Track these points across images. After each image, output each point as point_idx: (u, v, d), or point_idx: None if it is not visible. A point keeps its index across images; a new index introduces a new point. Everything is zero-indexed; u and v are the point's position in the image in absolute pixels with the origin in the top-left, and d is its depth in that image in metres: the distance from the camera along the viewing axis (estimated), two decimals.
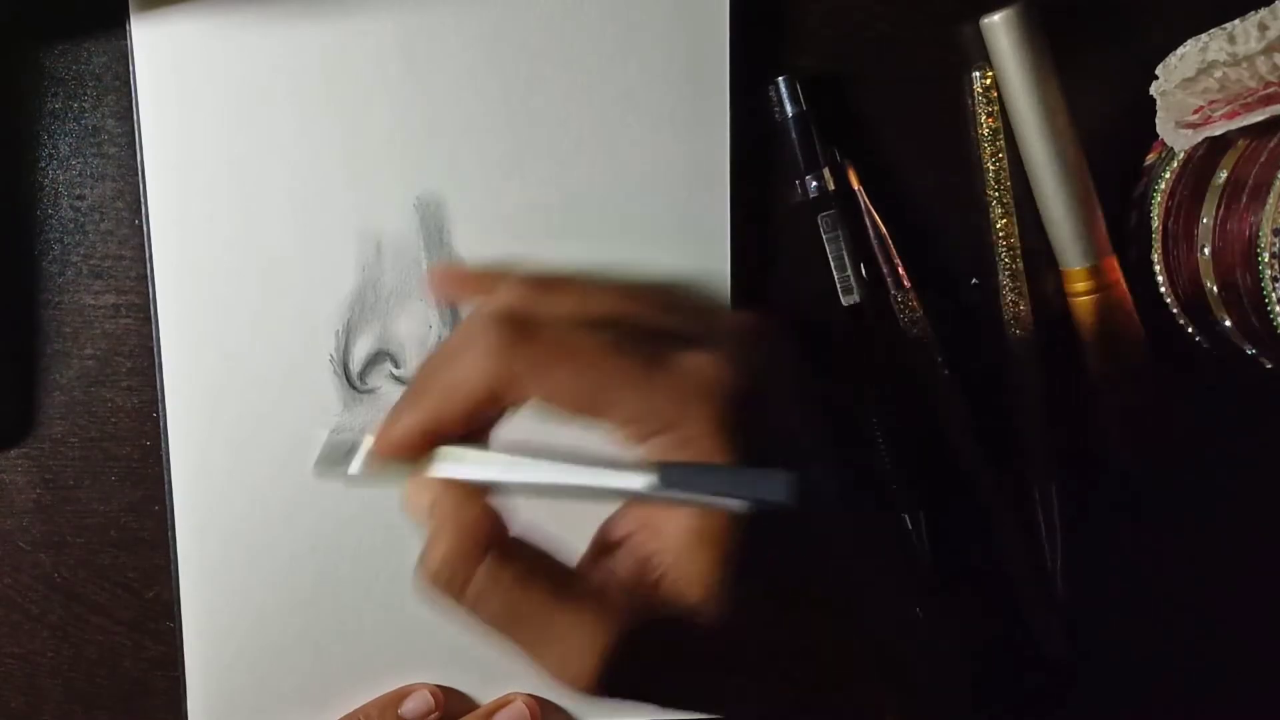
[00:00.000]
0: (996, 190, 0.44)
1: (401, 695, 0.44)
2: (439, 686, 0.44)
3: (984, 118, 0.43)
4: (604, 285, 0.33)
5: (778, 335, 0.33)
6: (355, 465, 0.32)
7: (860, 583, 0.34)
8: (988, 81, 0.43)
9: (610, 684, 0.29)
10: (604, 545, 0.33)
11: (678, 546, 0.30)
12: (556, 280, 0.32)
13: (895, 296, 0.44)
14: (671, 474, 0.29)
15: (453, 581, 0.30)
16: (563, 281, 0.32)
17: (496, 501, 0.31)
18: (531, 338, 0.29)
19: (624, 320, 0.31)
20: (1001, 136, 0.43)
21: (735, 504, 0.28)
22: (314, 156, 0.43)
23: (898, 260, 0.44)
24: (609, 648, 0.29)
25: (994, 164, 0.43)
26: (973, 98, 0.43)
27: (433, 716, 0.44)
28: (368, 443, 0.32)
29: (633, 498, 0.30)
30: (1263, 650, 0.47)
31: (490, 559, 0.30)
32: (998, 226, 0.44)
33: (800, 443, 0.32)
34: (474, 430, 0.31)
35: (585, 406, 0.29)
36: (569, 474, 0.30)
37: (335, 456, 0.32)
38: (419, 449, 0.31)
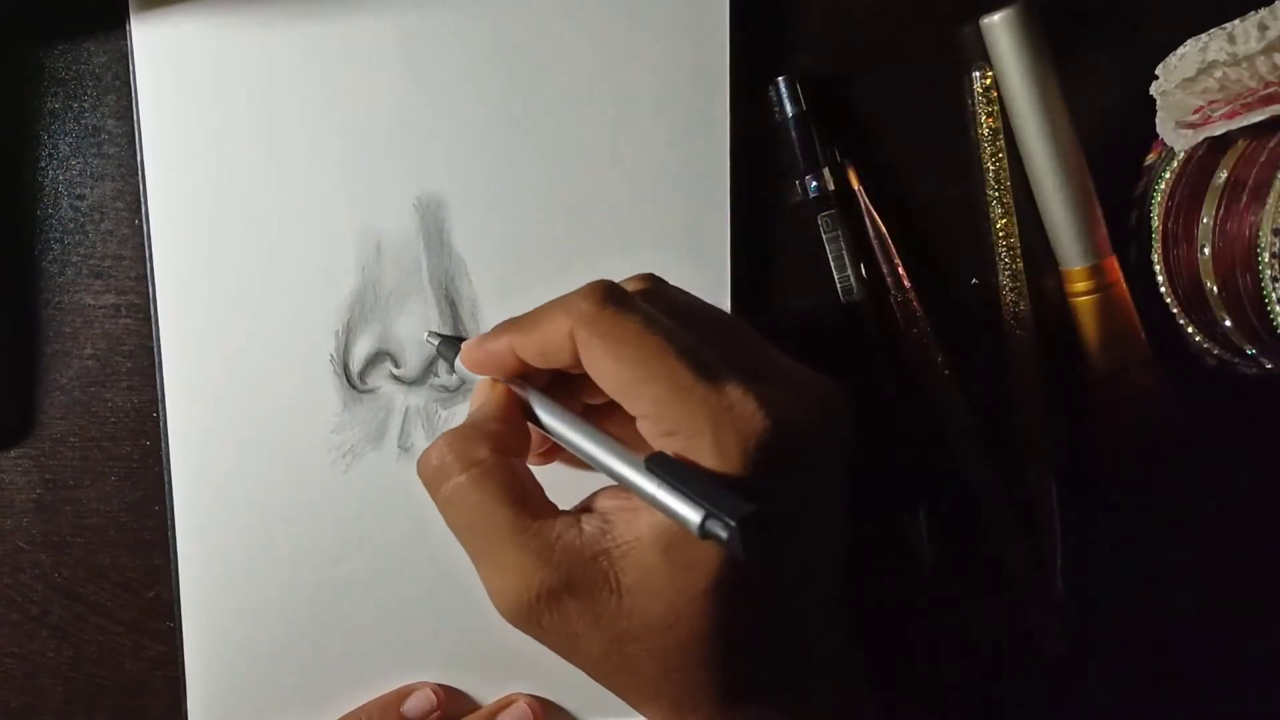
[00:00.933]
0: (996, 190, 0.44)
1: (403, 694, 0.44)
2: (440, 686, 0.44)
3: (984, 118, 0.43)
4: (710, 307, 0.36)
5: (843, 408, 0.34)
6: (456, 362, 0.36)
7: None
8: (988, 81, 0.43)
9: (528, 623, 0.32)
10: (585, 505, 0.34)
11: (639, 539, 0.31)
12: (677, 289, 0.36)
13: (895, 296, 0.44)
14: (654, 461, 0.30)
15: (436, 474, 0.33)
16: (681, 291, 0.36)
17: (528, 430, 0.34)
18: (612, 313, 0.31)
19: (714, 337, 0.33)
20: (1001, 136, 0.43)
21: (689, 518, 0.29)
22: (314, 156, 0.43)
23: (897, 260, 0.44)
24: (537, 596, 0.31)
25: (994, 164, 0.43)
26: (973, 98, 0.43)
27: (434, 715, 0.44)
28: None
29: (619, 480, 0.31)
30: (1263, 649, 0.47)
31: (472, 474, 0.32)
32: (998, 226, 0.44)
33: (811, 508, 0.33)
34: (549, 375, 0.34)
35: (618, 391, 0.31)
36: (584, 438, 0.32)
37: (447, 352, 0.37)
38: (496, 364, 0.34)
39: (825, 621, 0.34)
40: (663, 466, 0.30)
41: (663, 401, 0.30)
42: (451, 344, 0.37)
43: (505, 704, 0.44)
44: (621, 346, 0.31)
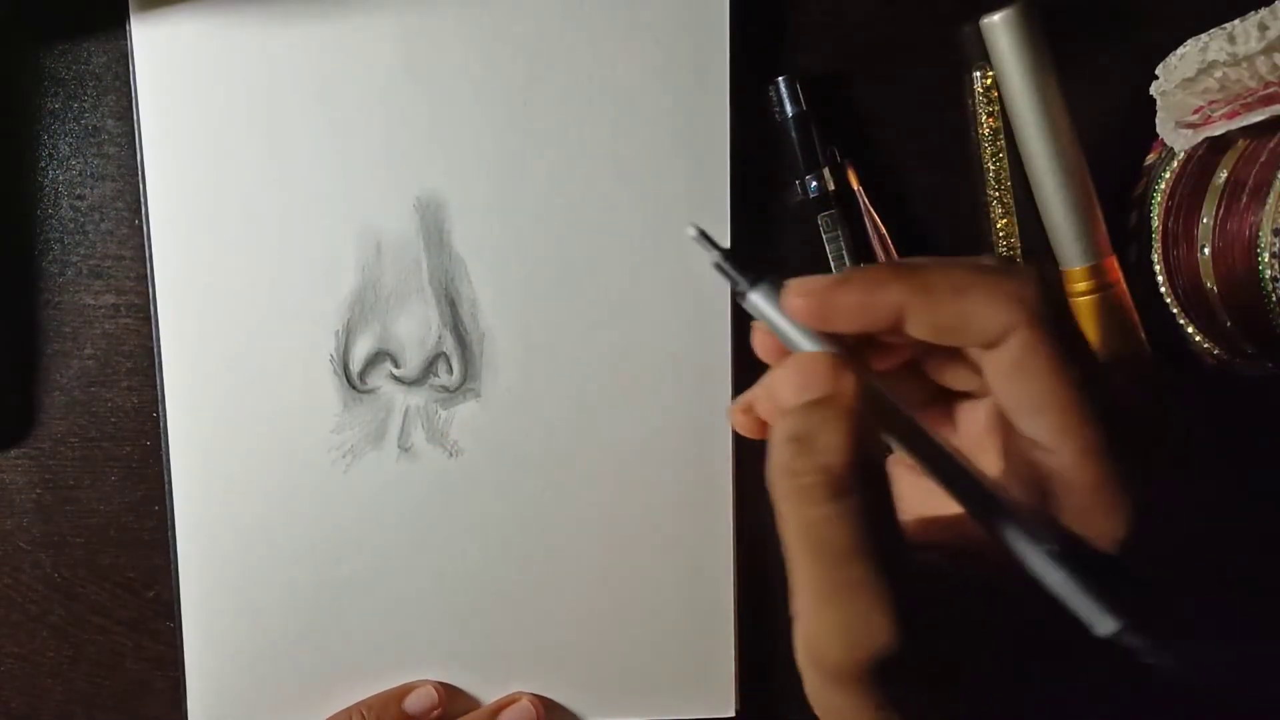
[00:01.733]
0: (996, 190, 0.44)
1: (404, 691, 0.44)
2: (441, 684, 0.44)
3: (984, 118, 0.43)
4: None
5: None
6: (762, 301, 0.29)
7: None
8: (988, 82, 0.43)
9: (861, 686, 0.25)
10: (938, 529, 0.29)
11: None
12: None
13: None
14: (1063, 556, 0.26)
15: (824, 491, 0.25)
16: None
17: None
18: (1073, 325, 0.28)
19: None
20: (1002, 136, 0.43)
21: (1099, 626, 0.26)
22: (314, 156, 0.43)
23: (896, 259, 0.44)
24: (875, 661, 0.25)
25: (994, 164, 0.43)
26: (973, 98, 0.43)
27: (435, 713, 0.44)
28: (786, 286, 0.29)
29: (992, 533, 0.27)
30: (1263, 647, 0.47)
31: (842, 502, 0.25)
32: (998, 226, 0.44)
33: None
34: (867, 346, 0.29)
35: (1031, 411, 0.27)
36: (952, 467, 0.27)
37: (737, 273, 0.29)
38: (857, 320, 0.28)
39: None
40: (1073, 560, 0.26)
41: (1088, 452, 0.27)
42: (738, 264, 0.29)
43: (508, 702, 0.44)
44: (1071, 370, 0.27)
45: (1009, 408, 0.28)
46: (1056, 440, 0.27)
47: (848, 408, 0.26)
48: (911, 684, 0.26)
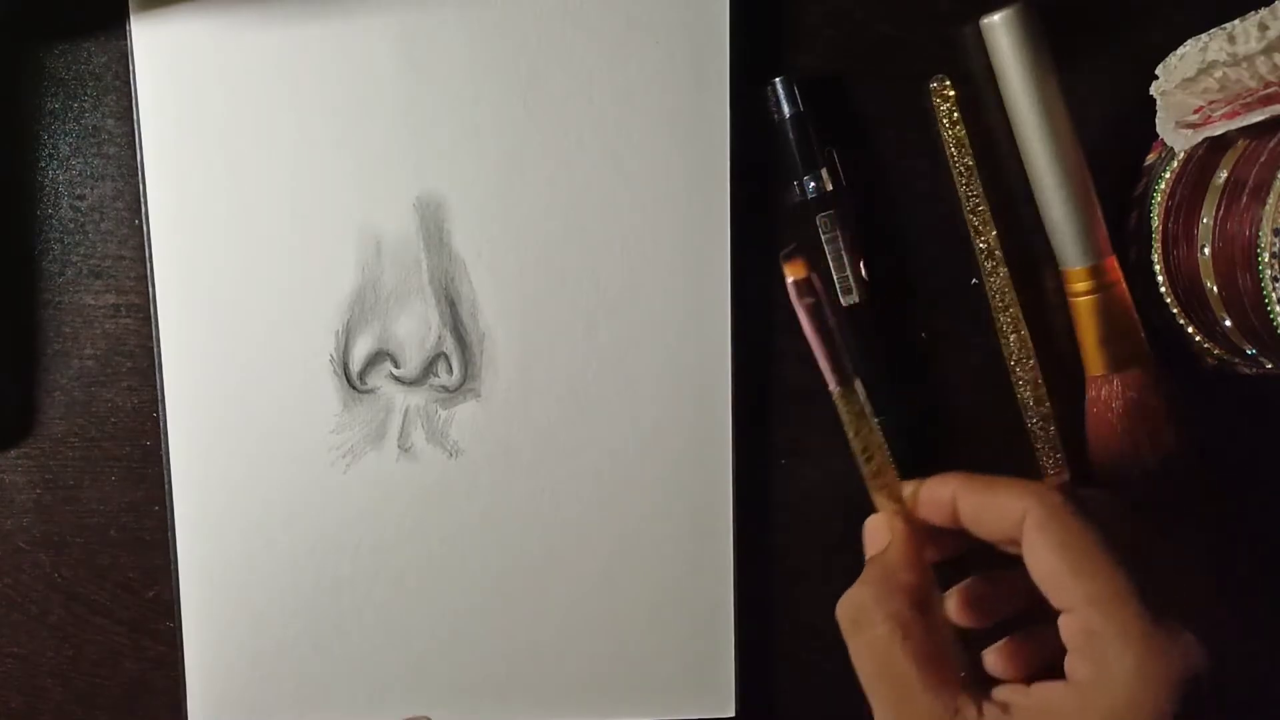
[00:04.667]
0: (970, 204, 0.44)
1: None
2: None
3: (948, 129, 0.43)
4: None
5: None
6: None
7: None
8: (949, 93, 0.43)
9: None
10: (986, 689, 0.34)
11: None
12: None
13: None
14: None
15: (856, 623, 0.34)
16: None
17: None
18: (1074, 509, 0.33)
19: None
20: (968, 145, 0.43)
21: None
22: (314, 156, 0.43)
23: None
24: None
25: (963, 179, 0.43)
26: (934, 111, 0.43)
27: None
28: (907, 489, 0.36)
29: None
30: (1263, 647, 0.47)
31: (890, 627, 0.33)
32: (978, 242, 0.44)
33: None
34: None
35: (1052, 580, 0.33)
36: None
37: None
38: (930, 510, 0.36)
39: None
40: None
41: (1095, 604, 0.31)
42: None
43: None
44: (1069, 538, 0.32)
45: (1044, 586, 0.33)
46: (1068, 602, 0.32)
47: (904, 562, 0.35)
48: None
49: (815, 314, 0.34)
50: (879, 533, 0.36)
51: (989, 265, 0.44)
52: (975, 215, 0.43)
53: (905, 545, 0.35)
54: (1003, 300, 0.44)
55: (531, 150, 0.43)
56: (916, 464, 0.45)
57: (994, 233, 0.44)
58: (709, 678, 0.45)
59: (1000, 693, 0.33)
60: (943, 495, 0.35)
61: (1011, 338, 0.44)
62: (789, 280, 0.34)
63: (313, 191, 0.43)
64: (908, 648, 0.33)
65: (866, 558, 0.36)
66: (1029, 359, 0.44)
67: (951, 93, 0.43)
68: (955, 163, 0.43)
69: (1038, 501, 0.33)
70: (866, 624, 0.34)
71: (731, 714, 0.45)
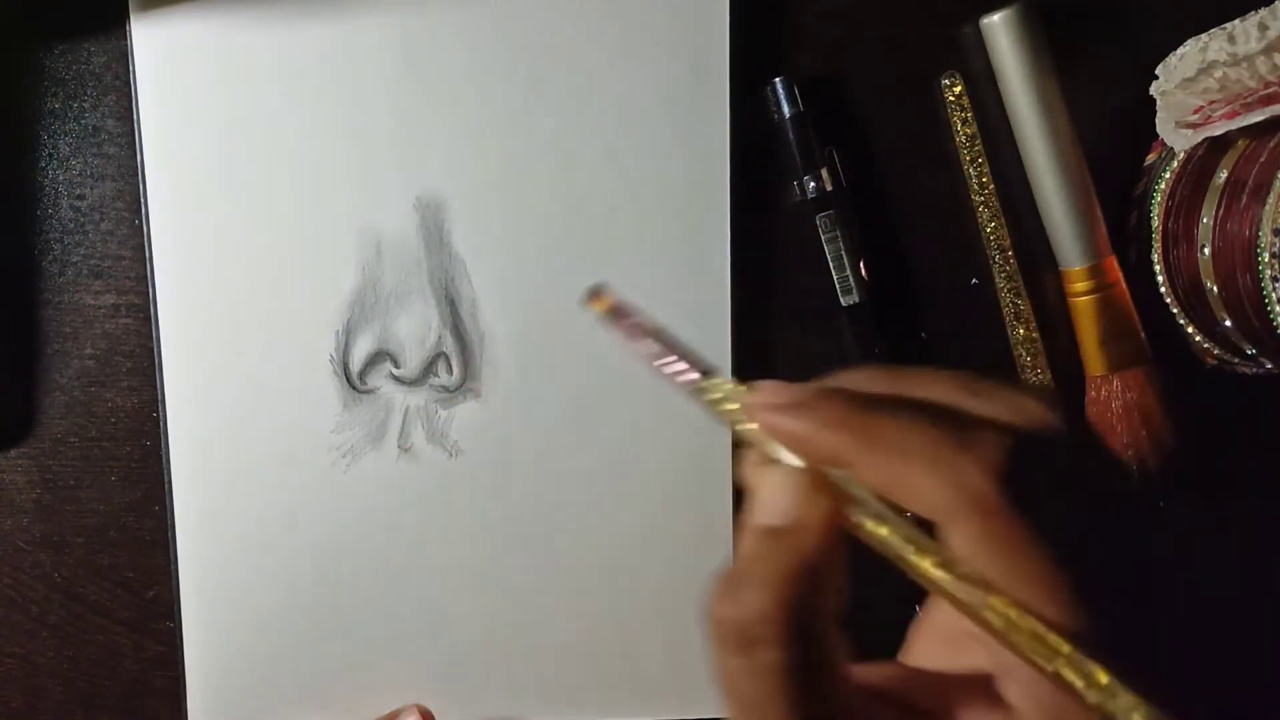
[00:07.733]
0: (981, 195, 0.44)
1: (392, 718, 0.44)
2: (426, 709, 0.44)
3: (959, 125, 0.43)
4: (922, 373, 0.27)
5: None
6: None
7: None
8: (958, 90, 0.43)
9: None
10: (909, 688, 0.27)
11: None
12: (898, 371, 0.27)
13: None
14: None
15: (736, 643, 0.25)
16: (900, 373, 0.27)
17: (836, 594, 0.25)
18: (1016, 516, 0.23)
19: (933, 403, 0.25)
20: (979, 141, 0.43)
21: None
22: (314, 156, 0.43)
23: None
24: None
25: (975, 169, 0.43)
26: (945, 107, 0.43)
27: None
28: (747, 392, 0.27)
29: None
30: (1264, 647, 0.47)
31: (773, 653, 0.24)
32: (987, 230, 0.44)
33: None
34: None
35: (889, 491, 0.24)
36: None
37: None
38: (804, 447, 0.25)
39: None
40: None
41: (931, 489, 0.23)
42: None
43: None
44: (1012, 559, 0.23)
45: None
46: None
47: (799, 550, 0.24)
48: None
49: (639, 330, 0.30)
50: (782, 494, 0.25)
51: (998, 258, 0.44)
52: (987, 208, 0.43)
53: (824, 517, 0.24)
54: (1012, 292, 0.44)
55: (531, 150, 0.43)
56: None
57: (1003, 225, 0.44)
58: (709, 678, 0.45)
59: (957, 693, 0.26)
60: (826, 442, 0.24)
61: (1020, 330, 0.44)
62: (599, 315, 0.30)
63: (313, 191, 0.43)
64: (790, 687, 0.24)
65: (756, 525, 0.25)
66: (1037, 354, 0.44)
67: (960, 89, 0.43)
68: (965, 152, 0.43)
69: (971, 502, 0.23)
70: (759, 642, 0.24)
71: None
